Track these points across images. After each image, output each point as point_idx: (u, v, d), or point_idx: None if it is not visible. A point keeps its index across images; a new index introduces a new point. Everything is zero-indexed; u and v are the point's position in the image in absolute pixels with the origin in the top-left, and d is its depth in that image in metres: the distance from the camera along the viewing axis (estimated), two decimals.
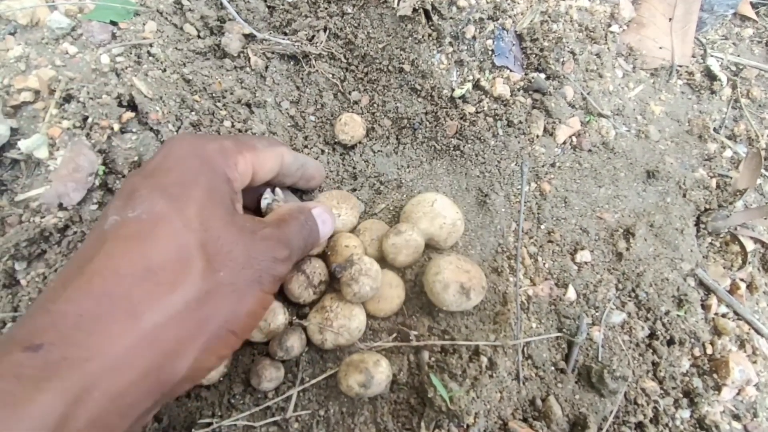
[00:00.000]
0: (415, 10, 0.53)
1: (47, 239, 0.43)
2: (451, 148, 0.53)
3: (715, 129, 0.58)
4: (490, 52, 0.57)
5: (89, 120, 0.46)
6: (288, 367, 0.44)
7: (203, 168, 0.32)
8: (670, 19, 0.62)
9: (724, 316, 0.50)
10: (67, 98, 0.47)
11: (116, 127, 0.46)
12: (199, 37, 0.54)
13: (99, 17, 0.52)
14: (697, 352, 0.48)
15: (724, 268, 0.52)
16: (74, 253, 0.31)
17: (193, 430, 0.41)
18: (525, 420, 0.43)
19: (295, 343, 0.42)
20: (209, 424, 0.41)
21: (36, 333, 0.24)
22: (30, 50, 0.51)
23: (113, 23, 0.52)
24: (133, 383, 0.25)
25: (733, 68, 0.62)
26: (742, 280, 0.52)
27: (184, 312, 0.27)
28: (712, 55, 0.61)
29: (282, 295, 0.44)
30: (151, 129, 0.47)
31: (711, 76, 0.60)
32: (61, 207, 0.43)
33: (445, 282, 0.43)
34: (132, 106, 0.48)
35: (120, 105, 0.47)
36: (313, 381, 0.43)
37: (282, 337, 0.42)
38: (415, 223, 0.47)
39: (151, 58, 0.52)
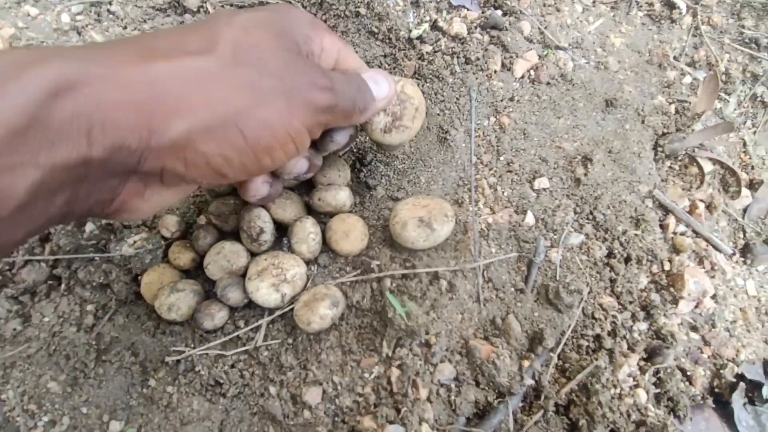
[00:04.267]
0: None
1: None
2: None
3: (675, 57, 0.59)
4: None
5: None
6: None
7: (279, 17, 0.33)
8: None
9: (682, 234, 0.51)
10: None
11: None
12: None
13: None
14: (655, 269, 0.49)
15: (683, 189, 0.53)
16: None
17: (166, 358, 0.43)
18: (486, 338, 0.45)
19: (237, 295, 0.44)
20: (181, 353, 0.43)
21: (73, 48, 0.27)
22: None
23: None
24: (121, 103, 0.25)
25: None
26: (701, 200, 0.53)
27: (192, 75, 0.27)
28: None
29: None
30: None
31: (670, 5, 0.60)
32: None
33: (402, 221, 0.45)
34: None
35: None
36: (279, 312, 0.45)
37: (226, 293, 0.44)
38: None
39: (110, 15, 0.53)
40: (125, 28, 0.53)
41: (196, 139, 0.28)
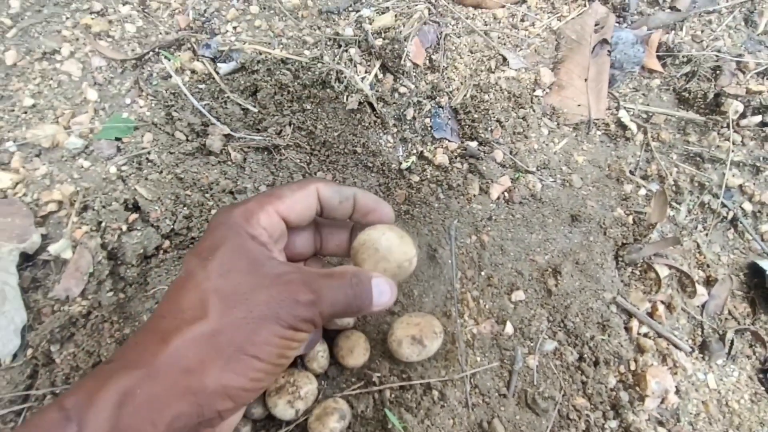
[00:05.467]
0: (360, 103, 0.64)
1: (75, 324, 0.54)
2: (402, 213, 0.64)
3: (630, 171, 0.68)
4: (429, 128, 0.67)
5: (102, 224, 0.57)
6: None
7: (228, 233, 0.40)
8: (586, 80, 0.73)
9: (645, 335, 0.58)
10: (84, 208, 0.58)
11: (124, 227, 0.57)
12: (187, 140, 0.66)
13: (106, 136, 0.64)
14: (622, 369, 0.56)
15: (643, 293, 0.60)
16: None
17: None
18: None
19: (260, 410, 0.51)
20: None
21: (115, 353, 0.36)
22: (53, 168, 0.62)
23: (118, 139, 0.64)
24: (166, 388, 0.34)
25: (644, 116, 0.72)
26: (661, 302, 0.60)
27: (201, 339, 0.35)
28: (623, 107, 0.71)
29: None
30: (152, 225, 0.58)
31: (623, 125, 0.70)
32: (67, 299, 0.54)
33: (398, 339, 0.52)
34: (136, 207, 0.59)
35: (126, 209, 0.58)
36: (295, 424, 0.52)
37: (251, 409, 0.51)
38: (360, 264, 0.50)
39: (149, 163, 0.64)
40: (161, 173, 0.63)
41: (229, 380, 0.35)
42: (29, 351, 0.53)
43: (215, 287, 0.37)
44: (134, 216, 0.58)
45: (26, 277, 0.56)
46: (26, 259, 0.57)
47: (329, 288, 0.40)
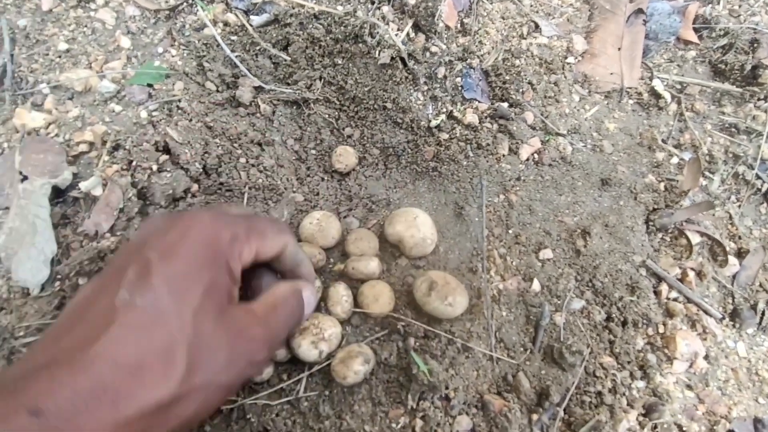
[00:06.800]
0: (392, 58, 0.64)
1: (103, 258, 0.54)
2: (430, 170, 0.63)
3: (663, 140, 0.67)
4: (459, 88, 0.67)
5: (133, 163, 0.57)
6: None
7: (210, 260, 0.36)
8: (619, 49, 0.72)
9: (675, 300, 0.57)
10: (116, 147, 0.59)
11: (154, 167, 0.57)
12: (218, 91, 0.66)
13: (138, 81, 0.64)
14: (650, 331, 0.55)
15: (674, 259, 0.59)
16: (84, 309, 0.35)
17: (221, 407, 0.50)
18: (498, 393, 0.51)
19: (282, 352, 0.51)
20: (234, 401, 0.50)
21: (39, 398, 0.29)
22: (85, 111, 0.63)
23: (149, 85, 0.65)
24: None
25: (678, 86, 0.71)
26: (692, 269, 0.59)
27: (154, 410, 0.32)
28: (657, 77, 0.70)
29: None
30: (182, 167, 0.58)
31: (656, 94, 0.69)
32: (96, 234, 0.54)
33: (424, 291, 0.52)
34: (166, 150, 0.59)
35: (157, 150, 0.59)
36: (318, 367, 0.52)
37: None
38: (393, 224, 0.56)
39: (179, 111, 0.64)
40: (191, 120, 0.63)
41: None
42: (57, 282, 0.53)
43: (187, 340, 0.33)
44: (164, 157, 0.58)
45: (56, 213, 0.57)
46: (57, 195, 0.57)
47: (281, 330, 0.42)
